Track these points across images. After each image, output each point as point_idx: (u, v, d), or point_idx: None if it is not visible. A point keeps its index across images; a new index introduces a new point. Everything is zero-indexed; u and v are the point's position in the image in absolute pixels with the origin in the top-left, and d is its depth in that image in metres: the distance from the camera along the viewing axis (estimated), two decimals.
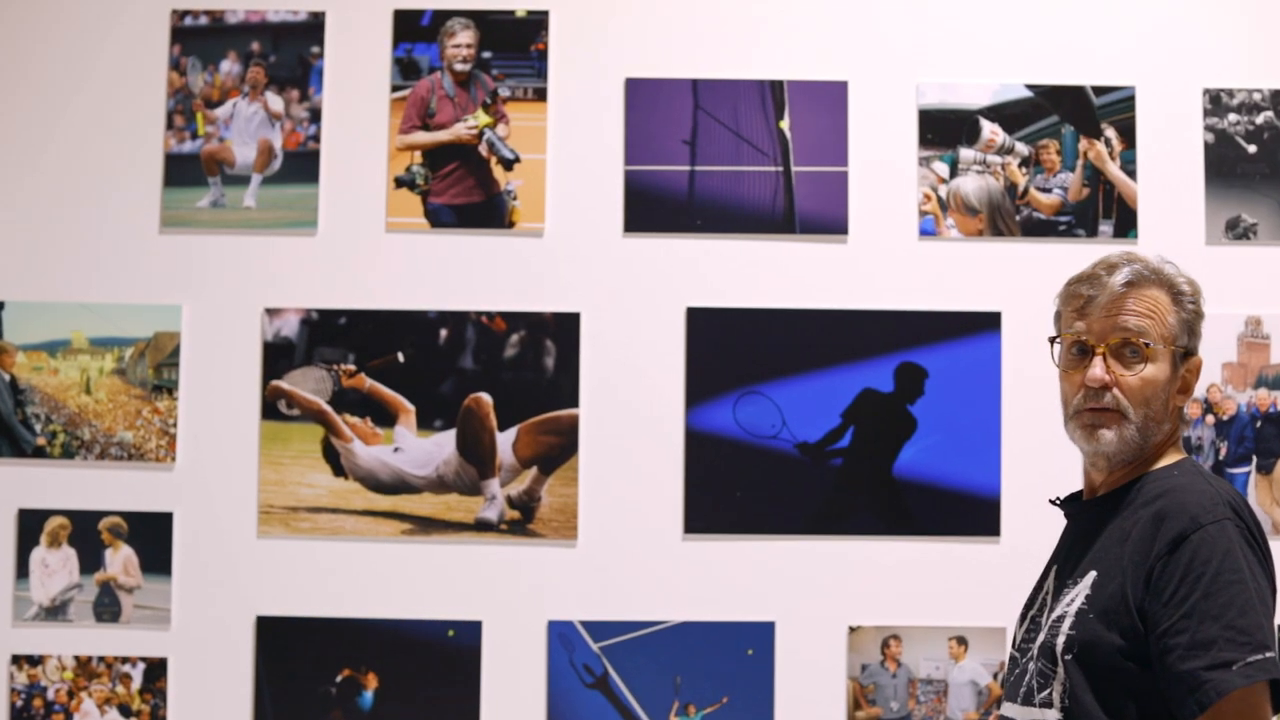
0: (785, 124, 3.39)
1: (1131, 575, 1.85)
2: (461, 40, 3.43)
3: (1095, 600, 1.88)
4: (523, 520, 3.33)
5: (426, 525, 3.34)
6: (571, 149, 3.41)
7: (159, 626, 3.32)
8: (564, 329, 3.35)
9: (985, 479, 3.31)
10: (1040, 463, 3.25)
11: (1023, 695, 1.96)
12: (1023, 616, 2.07)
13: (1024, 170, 3.40)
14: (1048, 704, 1.90)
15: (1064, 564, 2.02)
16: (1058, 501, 2.12)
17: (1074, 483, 2.14)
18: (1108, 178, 3.39)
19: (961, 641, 3.28)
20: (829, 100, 3.39)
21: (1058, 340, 2.05)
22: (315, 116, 3.42)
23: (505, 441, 3.35)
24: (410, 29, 3.43)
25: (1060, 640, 1.89)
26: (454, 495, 3.35)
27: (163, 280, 3.39)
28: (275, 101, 3.44)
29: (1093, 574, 1.91)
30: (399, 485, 3.36)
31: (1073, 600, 1.91)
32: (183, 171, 3.42)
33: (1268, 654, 1.75)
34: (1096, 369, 1.96)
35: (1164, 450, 1.99)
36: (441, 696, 3.29)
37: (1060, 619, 1.91)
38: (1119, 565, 1.87)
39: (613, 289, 3.38)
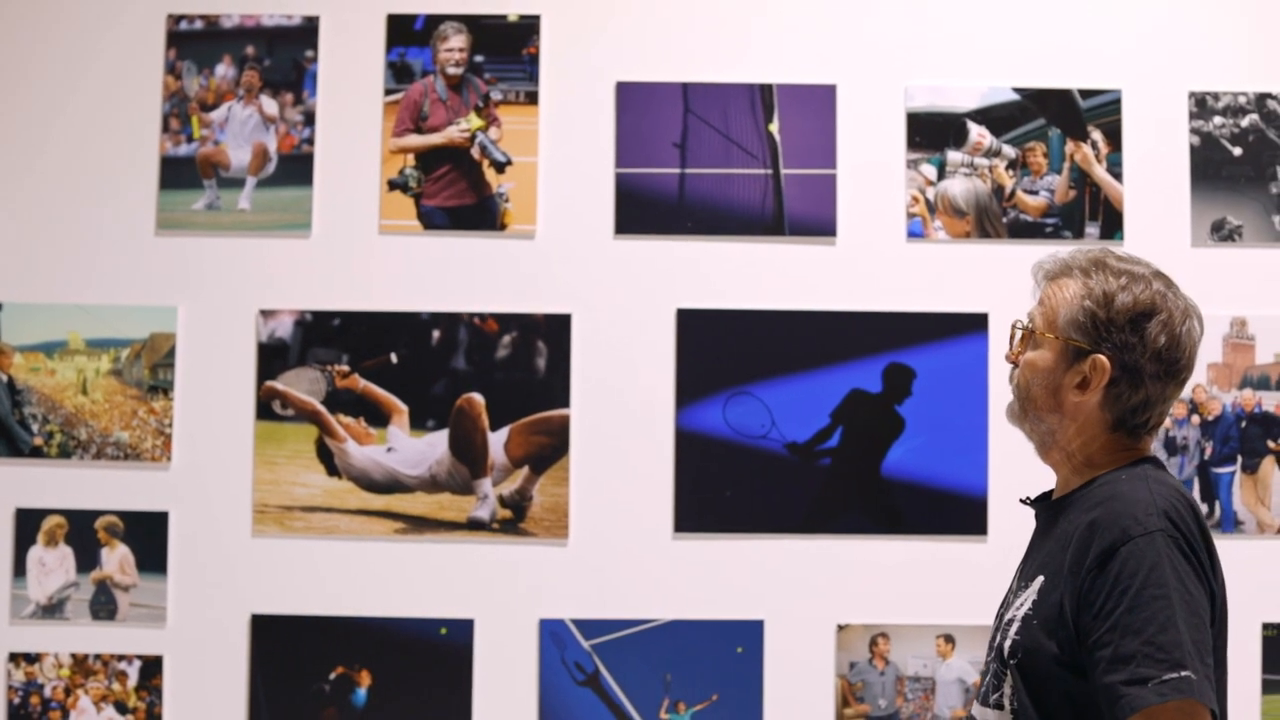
0: (774, 127, 3.42)
1: (1069, 586, 1.86)
2: (454, 44, 3.46)
3: (1039, 607, 1.89)
4: (514, 519, 3.36)
5: (419, 524, 3.37)
6: (563, 152, 3.43)
7: (155, 624, 3.35)
8: (555, 330, 3.38)
9: (973, 479, 3.34)
10: (1027, 463, 3.20)
11: (982, 695, 1.99)
12: (996, 615, 2.08)
13: (1011, 173, 3.42)
14: (999, 705, 1.92)
15: (1024, 565, 2.03)
16: (1028, 501, 2.14)
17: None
18: (1094, 180, 3.41)
19: (949, 639, 3.31)
20: (818, 103, 3.42)
21: None
22: (309, 120, 3.45)
23: (497, 441, 3.38)
24: (403, 33, 3.46)
25: (1008, 644, 1.91)
26: (446, 495, 3.38)
27: (158, 282, 3.42)
28: (270, 105, 3.47)
29: (1040, 579, 1.92)
30: (392, 485, 3.39)
31: (1022, 605, 1.92)
32: (178, 174, 3.45)
33: (1183, 672, 1.74)
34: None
35: (1115, 452, 1.98)
36: (434, 694, 3.32)
37: (1010, 622, 1.93)
38: (1060, 573, 1.88)
39: (604, 290, 3.40)
